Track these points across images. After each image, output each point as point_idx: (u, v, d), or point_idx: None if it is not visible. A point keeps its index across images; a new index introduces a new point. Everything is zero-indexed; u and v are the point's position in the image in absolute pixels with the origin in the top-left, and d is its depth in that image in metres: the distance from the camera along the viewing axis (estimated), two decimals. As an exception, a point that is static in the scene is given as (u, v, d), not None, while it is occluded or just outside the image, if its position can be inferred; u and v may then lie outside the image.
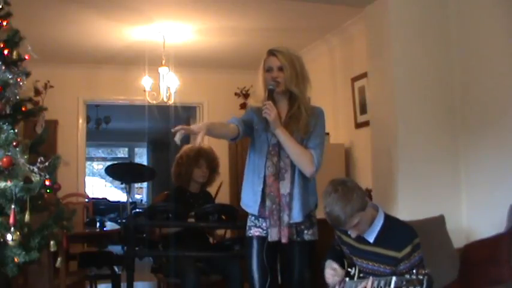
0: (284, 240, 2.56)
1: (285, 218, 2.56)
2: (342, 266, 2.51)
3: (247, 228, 2.72)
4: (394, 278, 2.02)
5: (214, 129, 2.53)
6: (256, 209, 2.62)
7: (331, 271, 2.45)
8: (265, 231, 2.63)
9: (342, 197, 2.22)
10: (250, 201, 2.66)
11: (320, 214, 2.74)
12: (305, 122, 2.62)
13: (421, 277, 1.93)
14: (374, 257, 2.32)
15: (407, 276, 1.97)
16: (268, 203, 2.59)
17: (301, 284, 2.62)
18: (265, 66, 2.66)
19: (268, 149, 2.62)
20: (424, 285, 1.92)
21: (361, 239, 2.37)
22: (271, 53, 2.66)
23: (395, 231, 2.31)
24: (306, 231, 2.63)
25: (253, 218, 2.69)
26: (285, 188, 2.59)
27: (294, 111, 2.62)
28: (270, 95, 2.57)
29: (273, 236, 2.57)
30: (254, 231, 2.66)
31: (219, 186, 4.37)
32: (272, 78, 2.61)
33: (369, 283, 2.09)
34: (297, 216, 2.59)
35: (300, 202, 2.60)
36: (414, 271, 1.97)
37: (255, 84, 2.75)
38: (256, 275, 2.62)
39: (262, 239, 2.63)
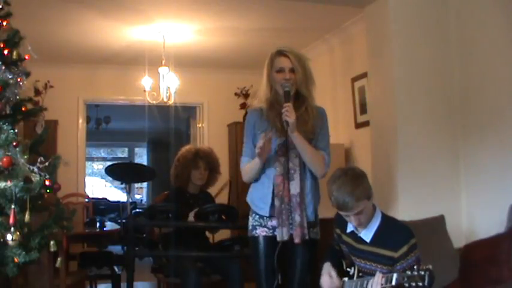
0: (297, 240, 2.55)
1: (297, 218, 2.55)
2: (340, 266, 2.51)
3: (250, 227, 2.68)
4: (395, 275, 2.02)
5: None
6: (267, 210, 2.61)
7: (328, 278, 2.44)
8: (271, 231, 2.61)
9: (351, 180, 2.23)
10: (260, 202, 2.64)
11: (320, 214, 2.75)
12: (312, 123, 2.63)
13: (422, 273, 1.93)
14: (371, 257, 2.31)
15: (409, 272, 1.97)
16: (276, 202, 2.57)
17: (302, 283, 2.62)
18: (274, 65, 2.64)
19: (275, 149, 2.61)
20: (426, 281, 1.91)
21: (358, 239, 2.37)
22: (282, 53, 2.64)
23: (392, 231, 2.30)
24: (311, 229, 2.63)
25: (257, 217, 2.66)
26: (294, 188, 2.58)
27: (302, 112, 2.62)
28: (287, 97, 2.57)
29: (282, 235, 2.55)
30: (260, 231, 2.63)
31: (221, 188, 4.30)
32: (285, 80, 2.60)
33: (378, 279, 2.08)
34: (311, 215, 2.62)
35: (313, 201, 2.64)
36: (415, 267, 1.96)
37: (258, 84, 2.73)
38: (264, 276, 2.60)
39: (269, 239, 2.61)
